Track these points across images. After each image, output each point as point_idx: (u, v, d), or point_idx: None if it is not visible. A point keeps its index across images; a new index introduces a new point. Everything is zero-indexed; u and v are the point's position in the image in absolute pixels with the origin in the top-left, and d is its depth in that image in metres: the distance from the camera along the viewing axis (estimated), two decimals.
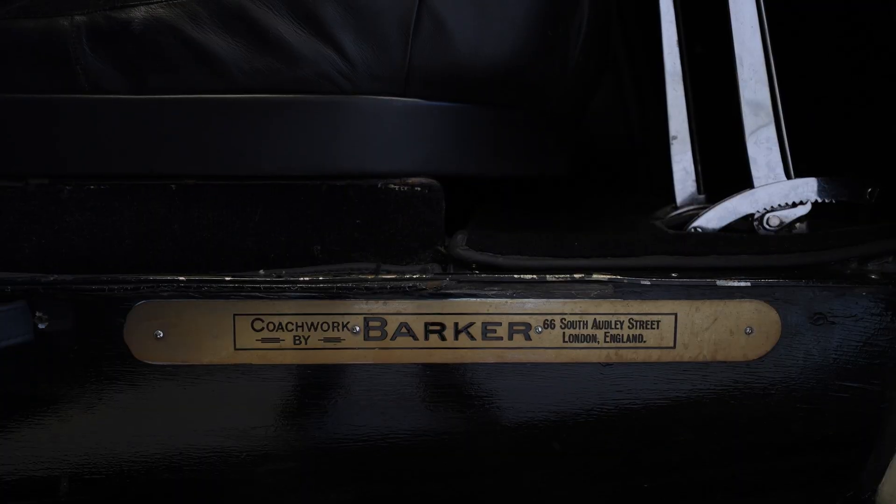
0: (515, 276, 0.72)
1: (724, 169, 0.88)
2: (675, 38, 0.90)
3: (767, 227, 0.85)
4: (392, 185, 0.75)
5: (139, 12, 0.71)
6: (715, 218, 0.86)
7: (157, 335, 0.71)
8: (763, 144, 0.84)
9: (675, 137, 0.92)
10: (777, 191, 0.85)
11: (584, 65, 0.89)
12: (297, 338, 0.71)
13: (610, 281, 0.72)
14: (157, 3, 0.72)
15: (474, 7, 0.74)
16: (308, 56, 0.72)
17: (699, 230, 0.86)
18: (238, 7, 0.71)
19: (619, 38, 2.18)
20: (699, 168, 0.93)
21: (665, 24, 0.90)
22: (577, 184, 1.30)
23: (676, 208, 0.93)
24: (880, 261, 0.75)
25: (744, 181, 0.85)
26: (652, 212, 0.97)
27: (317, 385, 0.72)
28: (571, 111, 0.98)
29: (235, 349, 0.71)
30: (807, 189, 0.85)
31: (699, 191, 0.93)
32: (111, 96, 0.72)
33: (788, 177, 0.85)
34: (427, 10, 0.73)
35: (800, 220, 0.85)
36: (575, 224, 0.90)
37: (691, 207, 0.92)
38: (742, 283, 0.72)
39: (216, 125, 0.73)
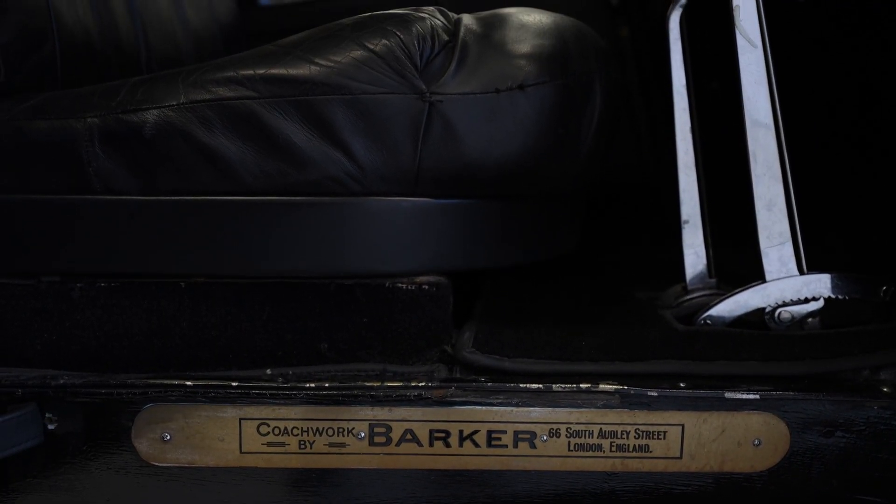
0: (521, 385, 0.72)
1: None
2: (688, 125, 0.89)
3: (779, 321, 0.84)
4: (400, 284, 0.76)
5: (151, 116, 0.72)
6: (726, 310, 0.85)
7: (164, 437, 0.71)
8: (776, 239, 0.84)
9: (686, 222, 0.92)
10: (789, 286, 0.84)
11: (596, 148, 0.89)
12: (302, 442, 0.72)
13: (616, 391, 0.71)
14: (168, 107, 0.72)
15: (484, 110, 0.74)
16: (317, 160, 0.72)
17: (709, 322, 0.85)
18: (249, 112, 0.72)
19: (633, 67, 2.17)
20: (710, 252, 0.92)
21: (678, 112, 0.89)
22: (590, 228, 1.30)
23: (687, 292, 0.92)
24: (893, 370, 0.74)
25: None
26: (662, 291, 0.97)
27: (321, 489, 0.73)
28: (583, 188, 0.98)
29: (241, 452, 0.72)
30: (819, 285, 0.84)
31: (710, 274, 0.93)
32: (122, 197, 0.73)
33: (801, 272, 0.84)
34: (437, 115, 0.73)
35: (812, 314, 0.84)
36: (583, 311, 0.90)
37: (702, 293, 0.91)
38: (751, 396, 0.71)
39: (225, 226, 0.73)
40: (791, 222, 0.84)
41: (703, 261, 0.92)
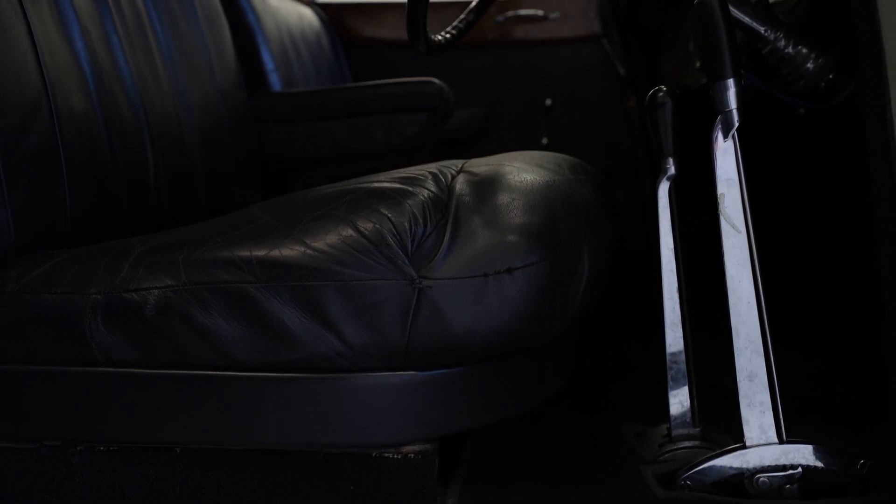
0: None
1: None
2: (674, 286, 0.92)
3: (757, 486, 0.86)
4: (386, 454, 0.78)
5: (152, 296, 0.75)
6: (706, 472, 0.87)
7: None
8: (756, 408, 0.86)
9: (672, 375, 0.94)
10: (768, 454, 0.86)
11: (586, 302, 0.91)
12: None
13: None
14: (168, 287, 0.75)
15: (472, 293, 0.76)
16: (308, 341, 0.75)
17: (689, 483, 0.87)
18: (245, 295, 0.75)
19: (640, 136, 2.19)
20: (695, 403, 0.95)
21: (665, 274, 0.91)
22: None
23: (671, 439, 0.95)
24: None
25: None
26: (646, 434, 0.99)
27: None
28: (575, 331, 1.00)
29: None
30: (798, 455, 0.86)
31: (694, 424, 0.95)
32: (122, 370, 0.76)
33: (781, 440, 0.86)
34: (426, 299, 0.75)
35: (790, 480, 0.86)
36: (566, 461, 0.92)
37: (685, 445, 0.94)
38: None
39: (219, 399, 0.76)
40: (772, 392, 0.85)
41: (689, 411, 0.95)
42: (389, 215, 0.76)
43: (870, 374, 1.03)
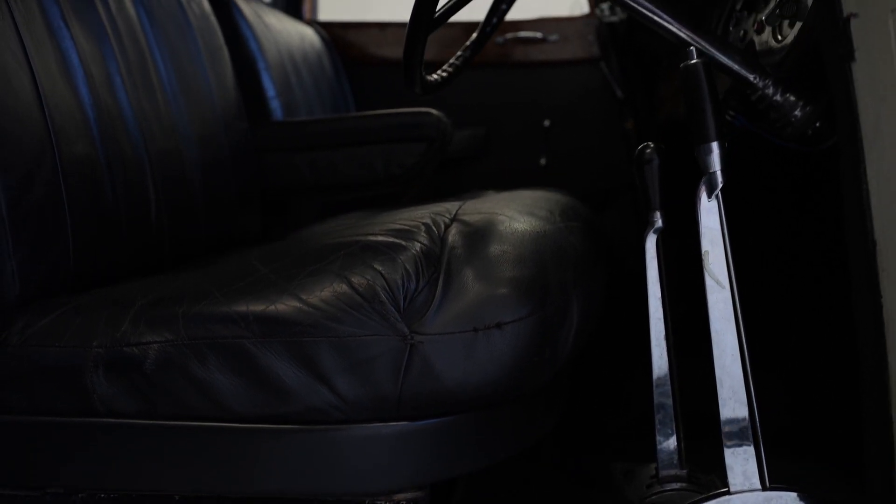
0: None
1: None
2: (662, 333, 0.94)
3: None
4: (379, 502, 0.80)
5: (152, 351, 0.77)
6: None
7: None
8: (740, 455, 0.88)
9: (660, 416, 0.96)
10: (751, 500, 0.88)
11: (577, 348, 0.93)
12: None
13: None
14: (167, 342, 0.77)
15: (462, 348, 0.78)
16: (303, 394, 0.77)
17: None
18: (242, 350, 0.77)
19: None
20: (682, 445, 0.97)
21: (653, 322, 0.94)
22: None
23: (659, 480, 0.97)
24: None
25: None
26: (635, 473, 1.01)
27: None
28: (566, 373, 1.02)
29: None
30: (780, 502, 0.88)
31: (681, 466, 0.97)
32: (123, 420, 0.79)
33: (764, 486, 0.88)
34: (417, 355, 0.78)
35: None
36: (560, 499, 0.94)
37: (672, 487, 0.96)
38: None
39: (216, 449, 0.79)
40: (755, 441, 0.88)
41: (675, 453, 0.97)
42: (382, 271, 0.79)
43: (852, 406, 1.06)
